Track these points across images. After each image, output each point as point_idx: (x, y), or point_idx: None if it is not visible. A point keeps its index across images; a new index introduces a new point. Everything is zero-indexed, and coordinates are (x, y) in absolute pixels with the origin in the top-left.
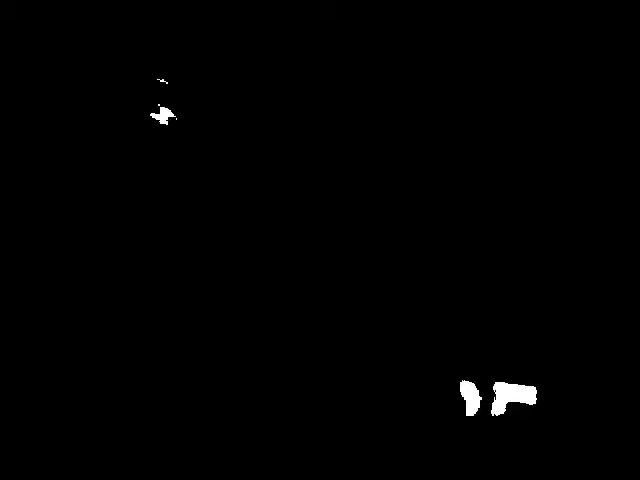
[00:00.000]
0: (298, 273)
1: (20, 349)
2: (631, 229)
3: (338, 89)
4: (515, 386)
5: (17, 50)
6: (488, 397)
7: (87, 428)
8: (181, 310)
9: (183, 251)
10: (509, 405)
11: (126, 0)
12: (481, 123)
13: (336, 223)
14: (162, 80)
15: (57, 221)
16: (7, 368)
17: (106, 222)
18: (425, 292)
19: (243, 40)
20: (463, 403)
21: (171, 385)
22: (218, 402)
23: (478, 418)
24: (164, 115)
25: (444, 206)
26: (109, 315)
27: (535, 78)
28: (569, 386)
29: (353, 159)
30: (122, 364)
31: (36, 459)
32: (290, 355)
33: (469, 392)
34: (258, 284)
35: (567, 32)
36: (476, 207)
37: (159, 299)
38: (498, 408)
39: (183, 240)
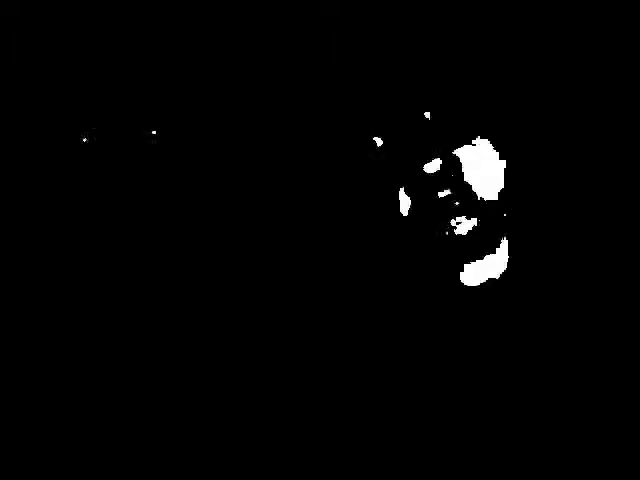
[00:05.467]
0: (298, 272)
1: (20, 349)
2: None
3: (339, 89)
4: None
5: (19, 48)
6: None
7: (87, 428)
8: (181, 310)
9: (183, 251)
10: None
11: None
12: (481, 123)
13: (335, 222)
14: (162, 80)
15: (57, 221)
16: (7, 368)
17: (106, 222)
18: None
19: (243, 40)
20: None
21: (171, 385)
22: (218, 402)
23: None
24: (165, 116)
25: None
26: (109, 315)
27: (535, 78)
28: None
29: (352, 159)
30: (122, 364)
31: (36, 459)
32: (290, 354)
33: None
34: (258, 284)
35: (567, 32)
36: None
37: (159, 299)
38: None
39: (183, 240)
